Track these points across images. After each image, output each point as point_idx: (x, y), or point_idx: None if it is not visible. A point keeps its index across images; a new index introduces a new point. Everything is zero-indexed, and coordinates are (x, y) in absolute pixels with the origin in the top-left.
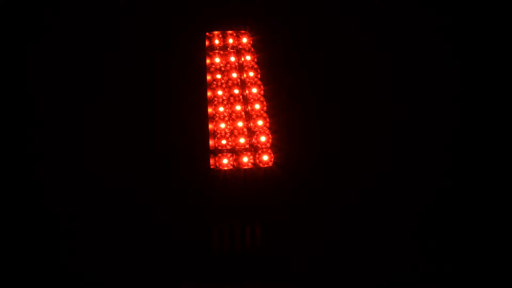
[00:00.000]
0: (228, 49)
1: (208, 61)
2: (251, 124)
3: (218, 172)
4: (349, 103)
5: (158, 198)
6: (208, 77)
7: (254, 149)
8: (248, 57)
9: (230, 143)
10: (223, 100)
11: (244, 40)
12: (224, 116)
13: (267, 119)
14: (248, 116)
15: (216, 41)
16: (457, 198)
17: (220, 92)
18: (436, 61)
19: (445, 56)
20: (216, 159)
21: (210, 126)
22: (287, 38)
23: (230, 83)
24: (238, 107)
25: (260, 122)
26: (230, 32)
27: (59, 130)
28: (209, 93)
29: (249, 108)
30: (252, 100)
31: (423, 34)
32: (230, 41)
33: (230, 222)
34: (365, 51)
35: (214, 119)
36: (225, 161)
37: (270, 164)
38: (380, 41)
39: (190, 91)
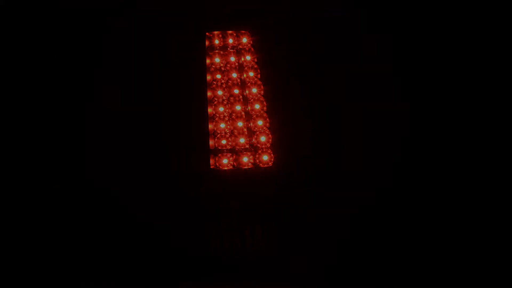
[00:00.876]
0: (228, 49)
1: (208, 61)
2: (251, 124)
3: (218, 172)
4: (349, 103)
5: (159, 198)
6: (208, 77)
7: (254, 149)
8: (248, 57)
9: (230, 143)
10: (223, 100)
11: (244, 40)
12: (224, 116)
13: (267, 119)
14: (248, 116)
15: (216, 41)
16: (457, 198)
17: (220, 92)
18: (436, 60)
19: (445, 56)
20: (216, 159)
21: (210, 126)
22: (287, 38)
23: (230, 83)
24: (238, 107)
25: (260, 122)
26: (230, 32)
27: (59, 130)
28: (209, 93)
29: (249, 108)
30: (252, 100)
31: (424, 34)
32: (230, 41)
33: (230, 222)
34: (365, 51)
35: (214, 119)
36: (225, 161)
37: (270, 164)
38: (381, 41)
39: (190, 91)
